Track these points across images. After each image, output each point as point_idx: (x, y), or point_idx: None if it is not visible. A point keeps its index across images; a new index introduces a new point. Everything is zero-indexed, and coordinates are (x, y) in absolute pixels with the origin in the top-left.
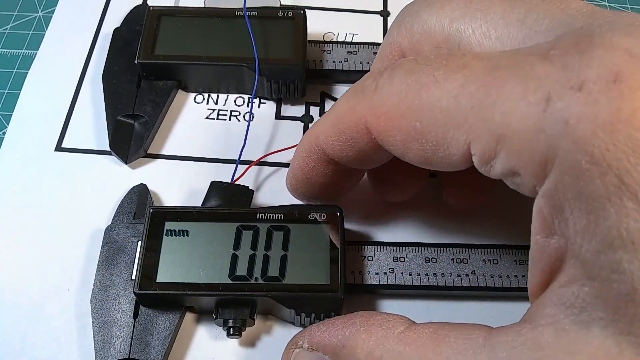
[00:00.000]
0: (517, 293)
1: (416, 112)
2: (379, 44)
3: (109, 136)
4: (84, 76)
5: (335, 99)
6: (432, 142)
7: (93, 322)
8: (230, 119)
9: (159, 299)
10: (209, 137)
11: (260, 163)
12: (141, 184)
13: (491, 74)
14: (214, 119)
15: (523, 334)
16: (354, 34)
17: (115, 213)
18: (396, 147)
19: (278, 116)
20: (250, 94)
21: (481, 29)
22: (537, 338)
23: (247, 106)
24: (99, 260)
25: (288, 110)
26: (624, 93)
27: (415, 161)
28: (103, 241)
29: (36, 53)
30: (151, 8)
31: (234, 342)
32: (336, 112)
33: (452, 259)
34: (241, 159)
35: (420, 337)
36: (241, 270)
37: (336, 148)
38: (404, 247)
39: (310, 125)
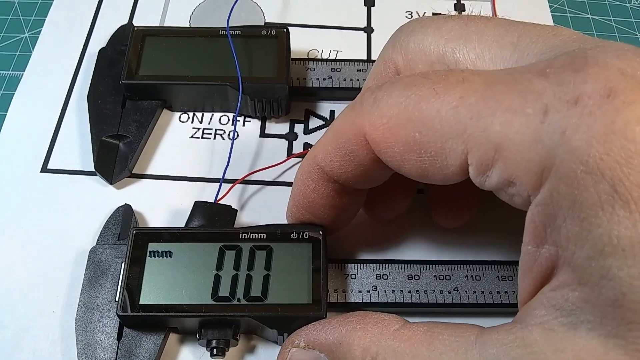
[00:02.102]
0: (499, 309)
1: (415, 122)
2: (363, 60)
3: (93, 157)
4: (69, 97)
5: (319, 116)
6: (431, 153)
7: (77, 344)
8: (215, 138)
9: (142, 321)
10: (194, 156)
11: (245, 182)
12: (125, 204)
13: (490, 87)
14: (198, 137)
15: (513, 333)
16: (337, 51)
17: (100, 234)
18: (394, 159)
19: (262, 134)
20: (235, 113)
21: (476, 50)
22: (526, 336)
23: (232, 125)
24: (83, 282)
25: (272, 128)
26: (617, 107)
27: (412, 173)
28: (87, 262)
29: (22, 74)
30: (135, 28)
31: None
32: (334, 128)
33: (435, 276)
34: (226, 177)
35: (414, 334)
36: (224, 290)
37: (335, 164)
38: (386, 265)
39: (294, 142)
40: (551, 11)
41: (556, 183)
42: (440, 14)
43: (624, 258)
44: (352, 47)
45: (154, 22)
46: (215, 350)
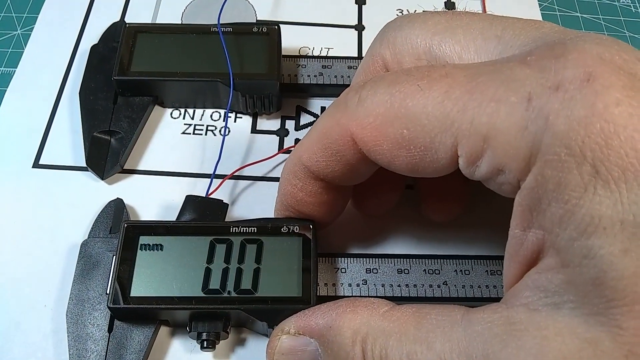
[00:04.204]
0: (488, 303)
1: (403, 119)
2: (354, 57)
3: (85, 152)
4: (61, 93)
5: (310, 113)
6: (420, 148)
7: (68, 336)
8: (206, 134)
9: (133, 313)
10: (185, 152)
11: (236, 177)
12: (117, 198)
13: (474, 79)
14: (190, 133)
15: (498, 312)
16: (329, 48)
17: (92, 228)
18: (383, 157)
19: (254, 130)
20: (226, 109)
21: (461, 43)
22: (510, 315)
23: (223, 121)
24: (74, 275)
25: (264, 124)
26: (597, 90)
27: (402, 169)
28: (79, 256)
29: (15, 71)
30: (127, 25)
31: (208, 355)
32: (319, 128)
33: (425, 270)
34: (217, 173)
35: (403, 315)
36: (214, 283)
37: (322, 164)
38: (376, 259)
39: (286, 138)
40: (540, 9)
41: (542, 167)
42: None
43: (604, 237)
44: (343, 44)
45: (146, 19)
46: (205, 342)
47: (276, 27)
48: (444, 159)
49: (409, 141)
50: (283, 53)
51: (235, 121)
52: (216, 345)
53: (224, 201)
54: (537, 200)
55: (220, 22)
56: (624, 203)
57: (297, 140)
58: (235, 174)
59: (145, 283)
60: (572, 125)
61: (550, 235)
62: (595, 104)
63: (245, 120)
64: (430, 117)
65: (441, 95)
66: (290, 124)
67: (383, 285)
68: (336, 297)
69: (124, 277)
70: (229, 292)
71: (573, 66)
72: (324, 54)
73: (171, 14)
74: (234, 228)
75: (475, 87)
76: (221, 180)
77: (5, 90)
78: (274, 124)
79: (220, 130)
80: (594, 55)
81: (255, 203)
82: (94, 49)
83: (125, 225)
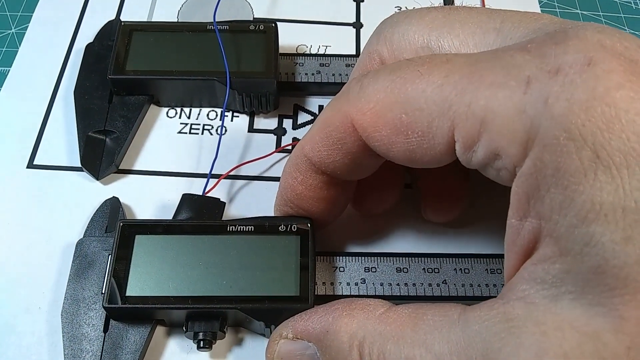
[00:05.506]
0: None
1: (402, 104)
2: (352, 55)
3: (80, 152)
4: (56, 92)
5: (308, 111)
6: (418, 133)
7: (63, 336)
8: (202, 133)
9: (129, 313)
10: (182, 152)
11: (233, 176)
12: (113, 197)
13: (474, 65)
14: (186, 133)
15: (495, 309)
16: (327, 46)
17: (87, 227)
18: (381, 143)
19: (251, 129)
20: (223, 108)
21: (459, 37)
22: (507, 311)
23: (220, 120)
24: (69, 275)
25: (261, 123)
26: (598, 75)
27: (400, 157)
28: (74, 255)
29: (9, 70)
30: (123, 23)
31: (204, 355)
32: (321, 118)
33: (424, 269)
34: (214, 172)
35: (400, 316)
36: (211, 283)
37: (323, 154)
38: (375, 258)
39: (283, 137)
40: (540, 6)
41: (540, 152)
42: None
43: (606, 224)
44: (341, 42)
45: (142, 17)
46: (202, 342)
47: (273, 25)
48: (441, 145)
49: (407, 126)
50: (280, 51)
51: (232, 120)
52: (213, 345)
53: (220, 199)
54: (534, 186)
55: (217, 20)
56: (625, 189)
57: (294, 139)
58: (232, 173)
59: (141, 282)
60: (572, 108)
61: (547, 223)
62: (596, 87)
63: (242, 119)
64: (428, 101)
65: (441, 79)
66: (287, 123)
67: (382, 284)
68: (334, 297)
69: (119, 277)
70: (225, 291)
71: (574, 51)
72: (321, 52)
73: (167, 12)
74: (231, 227)
75: (475, 71)
76: (218, 178)
77: (0, 90)
78: (271, 123)
79: (216, 130)
80: (595, 41)
81: (253, 202)
82: (89, 47)
83: (121, 224)
